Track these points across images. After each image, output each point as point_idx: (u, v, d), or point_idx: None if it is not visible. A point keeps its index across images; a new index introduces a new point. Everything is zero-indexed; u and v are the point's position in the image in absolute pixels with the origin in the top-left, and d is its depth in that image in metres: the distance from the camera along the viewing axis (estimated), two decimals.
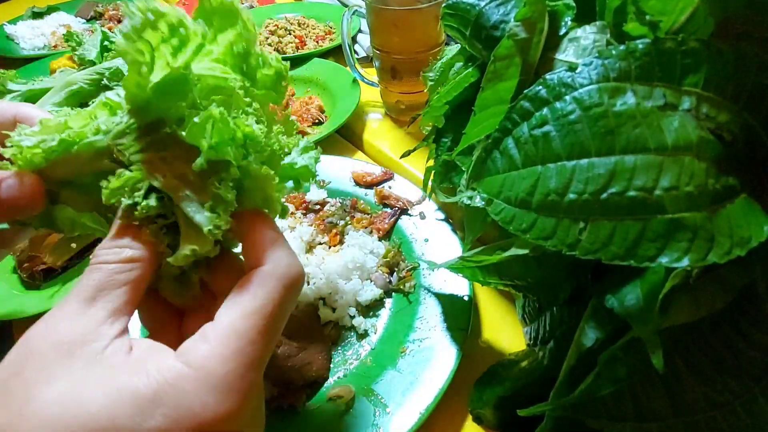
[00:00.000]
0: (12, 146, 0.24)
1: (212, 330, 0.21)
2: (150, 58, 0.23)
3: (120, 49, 0.22)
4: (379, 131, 0.71)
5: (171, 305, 0.26)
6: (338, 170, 0.61)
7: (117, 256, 0.23)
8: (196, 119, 0.22)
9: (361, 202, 0.57)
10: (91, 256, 0.23)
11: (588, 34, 0.30)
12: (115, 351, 0.21)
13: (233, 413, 0.20)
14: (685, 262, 0.21)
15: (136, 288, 0.23)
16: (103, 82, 0.77)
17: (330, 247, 0.53)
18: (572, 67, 0.24)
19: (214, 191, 0.23)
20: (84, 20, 1.15)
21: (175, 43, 0.23)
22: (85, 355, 0.20)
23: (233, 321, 0.21)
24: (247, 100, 0.26)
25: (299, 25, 0.97)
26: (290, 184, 0.31)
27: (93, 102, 0.25)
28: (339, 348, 0.45)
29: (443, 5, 0.38)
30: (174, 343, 0.22)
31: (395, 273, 0.49)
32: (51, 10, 1.15)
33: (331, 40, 0.93)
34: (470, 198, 0.33)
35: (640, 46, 0.23)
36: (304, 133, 0.68)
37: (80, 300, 0.21)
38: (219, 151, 0.23)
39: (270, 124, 0.27)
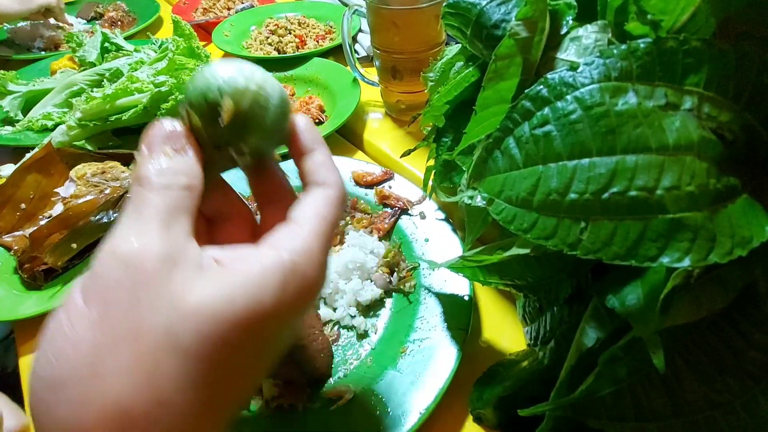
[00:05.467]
0: None
1: (302, 216, 0.24)
2: None
3: None
4: (380, 131, 0.71)
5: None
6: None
7: (179, 182, 0.23)
8: None
9: (362, 201, 0.57)
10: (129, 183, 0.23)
11: (589, 34, 0.30)
12: (212, 259, 0.22)
13: (321, 286, 0.24)
14: (686, 262, 0.21)
15: (194, 211, 0.24)
16: (103, 83, 0.77)
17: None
18: (573, 67, 0.24)
19: None
20: (84, 21, 1.15)
21: None
22: (192, 265, 0.21)
23: (318, 208, 0.25)
24: None
25: (299, 25, 0.97)
26: None
27: None
28: (339, 348, 0.45)
29: (444, 4, 0.37)
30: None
31: (395, 273, 0.49)
32: None
33: (331, 39, 0.93)
34: (471, 197, 0.33)
35: (642, 45, 0.23)
36: None
37: (159, 223, 0.21)
38: None
39: None
